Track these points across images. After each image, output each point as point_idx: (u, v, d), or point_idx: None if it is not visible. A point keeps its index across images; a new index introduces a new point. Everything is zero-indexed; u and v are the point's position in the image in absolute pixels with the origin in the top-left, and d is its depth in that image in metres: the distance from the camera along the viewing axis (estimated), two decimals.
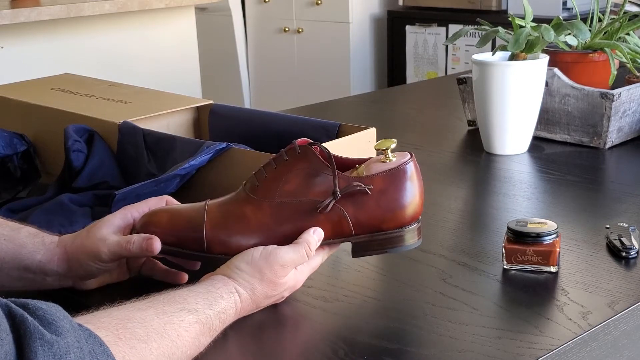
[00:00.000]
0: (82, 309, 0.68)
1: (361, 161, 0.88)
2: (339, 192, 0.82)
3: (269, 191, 0.84)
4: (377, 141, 0.90)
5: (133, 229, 0.88)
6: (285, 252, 0.80)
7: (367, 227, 0.84)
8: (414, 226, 0.86)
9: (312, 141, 0.86)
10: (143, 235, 0.85)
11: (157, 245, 0.84)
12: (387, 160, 0.86)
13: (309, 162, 0.84)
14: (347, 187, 0.83)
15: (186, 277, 0.89)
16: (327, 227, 0.83)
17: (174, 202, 0.92)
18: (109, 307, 0.70)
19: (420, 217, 0.86)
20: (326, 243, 0.84)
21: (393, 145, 0.86)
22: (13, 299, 0.59)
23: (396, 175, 0.84)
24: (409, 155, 0.86)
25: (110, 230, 0.86)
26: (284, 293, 0.83)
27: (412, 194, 0.85)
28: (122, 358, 0.63)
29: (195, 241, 0.84)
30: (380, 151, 0.86)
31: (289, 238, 0.82)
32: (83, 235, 0.87)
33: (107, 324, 0.65)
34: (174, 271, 0.90)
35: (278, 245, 0.82)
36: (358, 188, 0.82)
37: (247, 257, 0.80)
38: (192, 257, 0.87)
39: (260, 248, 0.81)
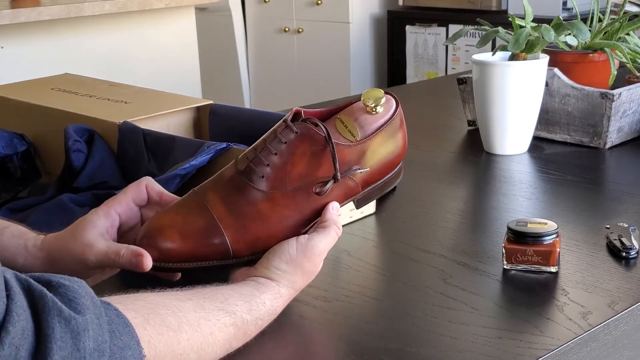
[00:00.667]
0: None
1: (339, 109, 0.88)
2: (339, 176, 0.82)
3: (278, 180, 0.81)
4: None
5: (120, 227, 0.85)
6: (319, 241, 0.79)
7: (371, 181, 0.86)
8: (399, 165, 0.90)
9: (303, 114, 0.84)
10: (132, 248, 0.79)
11: (147, 262, 0.78)
12: (373, 112, 0.86)
13: (309, 141, 0.81)
14: (348, 172, 0.83)
15: (179, 274, 0.87)
16: (341, 196, 0.84)
17: (155, 185, 0.88)
18: (147, 292, 0.69)
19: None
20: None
21: (383, 100, 0.86)
22: (38, 274, 0.58)
23: (391, 128, 0.87)
24: (394, 101, 0.89)
25: (97, 233, 0.82)
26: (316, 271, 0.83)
27: (403, 138, 0.89)
28: (147, 342, 0.62)
29: (219, 253, 0.80)
30: (368, 109, 0.86)
31: (311, 220, 0.82)
32: (67, 236, 0.83)
33: (139, 306, 0.65)
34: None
35: (304, 229, 0.82)
36: (359, 171, 0.84)
37: (285, 256, 0.78)
38: (218, 267, 0.81)
39: (294, 242, 0.79)
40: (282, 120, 0.83)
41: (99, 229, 0.82)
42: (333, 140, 0.81)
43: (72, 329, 0.55)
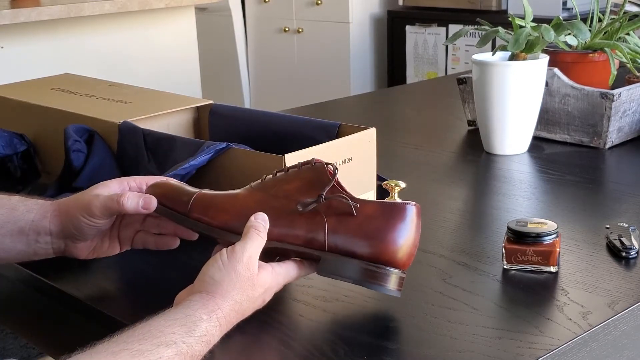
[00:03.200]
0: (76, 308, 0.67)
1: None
2: (324, 197, 0.81)
3: (268, 186, 0.84)
4: (375, 141, 0.90)
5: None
6: (244, 243, 0.79)
7: (341, 245, 0.81)
8: (395, 273, 0.81)
9: (328, 163, 0.85)
10: (140, 193, 0.85)
11: (154, 202, 0.85)
12: (391, 199, 0.86)
13: (316, 174, 0.83)
14: (334, 197, 0.81)
15: (178, 241, 0.90)
16: (302, 231, 0.81)
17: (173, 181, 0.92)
18: (80, 353, 0.66)
19: (405, 270, 0.82)
20: (296, 250, 0.82)
21: (403, 185, 0.86)
22: None
23: (390, 210, 0.81)
24: (414, 204, 0.82)
25: (105, 191, 0.87)
26: (265, 295, 0.80)
27: (400, 236, 0.80)
28: None
29: (181, 203, 0.85)
30: (387, 187, 0.87)
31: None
32: (77, 194, 0.89)
33: None
34: (165, 237, 0.91)
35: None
36: (344, 200, 0.81)
37: (217, 264, 0.77)
38: (173, 217, 0.86)
39: (224, 250, 0.79)
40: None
41: (108, 190, 0.87)
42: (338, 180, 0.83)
43: None
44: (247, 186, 0.86)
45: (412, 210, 0.82)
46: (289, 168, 0.86)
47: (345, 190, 0.82)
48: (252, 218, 0.81)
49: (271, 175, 0.86)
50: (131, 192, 0.86)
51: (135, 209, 0.85)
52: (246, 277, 0.77)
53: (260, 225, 0.80)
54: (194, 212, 0.84)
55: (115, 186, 0.88)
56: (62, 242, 0.88)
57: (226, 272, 0.77)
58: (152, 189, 0.88)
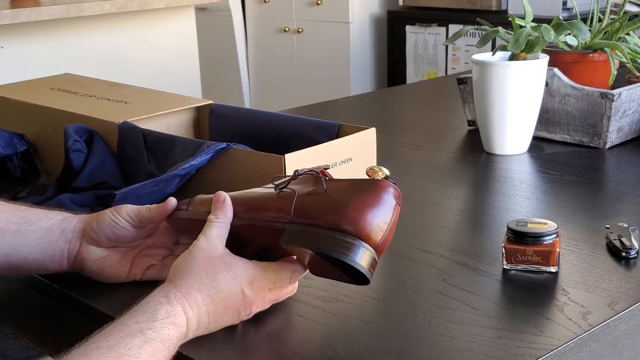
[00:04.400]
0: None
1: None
2: (298, 172, 0.82)
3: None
4: (375, 143, 0.89)
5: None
6: (203, 230, 0.80)
7: (305, 216, 0.77)
8: (363, 246, 0.75)
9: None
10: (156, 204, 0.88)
11: (172, 201, 0.87)
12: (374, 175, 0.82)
13: (308, 177, 0.82)
14: (305, 170, 0.81)
15: None
16: (272, 209, 0.80)
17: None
18: None
19: (378, 251, 0.76)
20: (261, 224, 0.80)
21: (387, 172, 0.79)
22: None
23: (361, 183, 0.77)
24: (391, 183, 0.78)
25: (127, 207, 0.89)
26: (243, 286, 0.78)
27: (368, 207, 0.75)
28: None
29: (183, 204, 0.88)
30: (370, 172, 0.80)
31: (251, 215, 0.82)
32: (100, 211, 0.91)
33: None
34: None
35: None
36: (315, 174, 0.80)
37: (180, 256, 0.79)
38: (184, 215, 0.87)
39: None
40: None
41: (130, 207, 0.89)
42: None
43: None
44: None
45: (385, 186, 0.77)
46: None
47: (330, 176, 0.81)
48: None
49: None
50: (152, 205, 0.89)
51: (158, 211, 0.87)
52: (203, 257, 0.77)
53: (217, 211, 0.81)
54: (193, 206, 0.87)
55: (132, 206, 0.90)
56: (78, 242, 0.89)
57: (184, 258, 0.78)
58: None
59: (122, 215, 0.88)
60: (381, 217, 0.76)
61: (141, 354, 0.68)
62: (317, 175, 0.80)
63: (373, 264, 0.76)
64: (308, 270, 0.82)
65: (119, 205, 0.90)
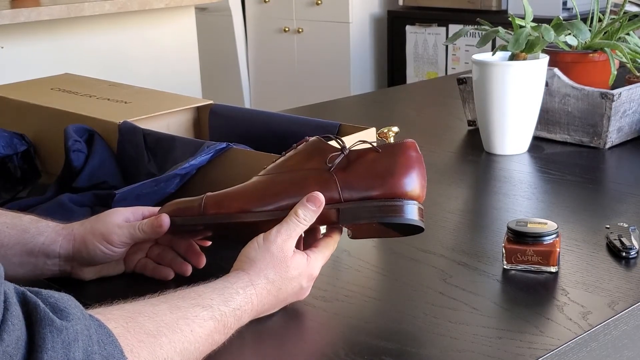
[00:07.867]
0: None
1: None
2: (347, 147, 0.85)
3: (272, 169, 0.88)
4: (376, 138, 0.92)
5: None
6: (280, 227, 0.82)
7: (356, 193, 0.84)
8: (412, 203, 0.84)
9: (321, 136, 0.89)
10: (152, 217, 0.88)
11: (165, 219, 0.87)
12: (386, 139, 0.88)
13: (312, 145, 0.87)
14: (354, 144, 0.86)
15: (172, 273, 0.91)
16: (313, 189, 0.84)
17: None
18: (121, 302, 0.70)
19: (421, 201, 0.86)
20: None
21: (396, 129, 0.88)
22: (27, 287, 0.59)
23: (391, 148, 0.85)
24: (410, 140, 0.87)
25: (122, 219, 0.89)
26: (302, 281, 0.82)
27: (406, 168, 0.84)
28: (129, 350, 0.63)
29: (194, 208, 0.87)
30: (382, 135, 0.88)
31: (273, 203, 0.84)
32: (92, 220, 0.89)
33: (117, 316, 0.66)
34: (162, 267, 0.92)
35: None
36: (366, 146, 0.85)
37: (253, 245, 0.81)
38: (191, 223, 0.87)
39: (261, 234, 0.82)
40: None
41: (124, 218, 0.89)
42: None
43: (62, 339, 0.57)
44: (252, 178, 0.88)
45: (410, 146, 0.86)
46: (286, 152, 0.89)
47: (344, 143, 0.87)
48: (302, 200, 0.83)
49: (272, 163, 0.89)
50: (147, 219, 0.89)
51: (152, 231, 0.87)
52: (279, 257, 0.81)
53: (299, 210, 0.82)
54: (209, 209, 0.86)
55: (128, 214, 0.90)
56: (69, 265, 0.89)
57: (260, 252, 0.81)
58: (163, 210, 0.89)
59: (115, 244, 0.88)
60: (420, 174, 0.86)
61: (205, 326, 0.72)
62: (372, 147, 0.86)
63: (422, 214, 0.86)
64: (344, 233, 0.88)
65: (103, 229, 0.88)
